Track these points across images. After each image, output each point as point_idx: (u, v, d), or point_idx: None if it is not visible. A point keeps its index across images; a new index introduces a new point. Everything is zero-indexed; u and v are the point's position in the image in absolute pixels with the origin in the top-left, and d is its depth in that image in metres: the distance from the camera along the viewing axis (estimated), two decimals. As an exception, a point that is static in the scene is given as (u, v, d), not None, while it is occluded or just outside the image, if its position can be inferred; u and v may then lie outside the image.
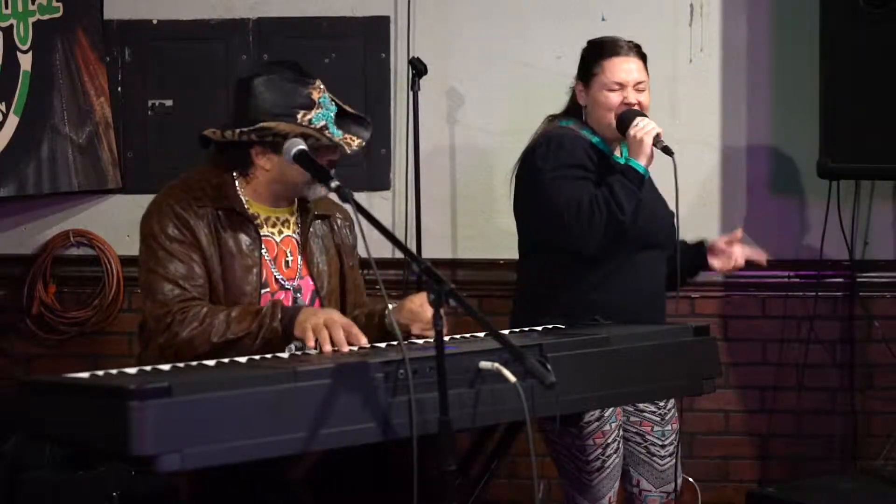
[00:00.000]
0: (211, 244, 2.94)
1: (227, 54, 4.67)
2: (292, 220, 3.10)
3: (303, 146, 2.86)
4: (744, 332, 4.61)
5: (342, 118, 3.03)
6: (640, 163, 3.36)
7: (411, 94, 4.43)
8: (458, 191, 4.66)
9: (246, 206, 3.01)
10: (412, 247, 4.35)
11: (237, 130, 2.95)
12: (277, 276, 3.02)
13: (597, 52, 3.49)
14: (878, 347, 4.55)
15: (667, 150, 3.38)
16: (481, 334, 2.93)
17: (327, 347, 2.70)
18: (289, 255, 3.06)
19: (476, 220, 4.66)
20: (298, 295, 3.04)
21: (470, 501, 2.83)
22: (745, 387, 4.63)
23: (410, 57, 4.48)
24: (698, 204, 4.48)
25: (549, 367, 2.52)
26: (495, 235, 4.64)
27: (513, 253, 4.57)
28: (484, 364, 2.48)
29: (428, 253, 4.42)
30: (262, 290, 2.99)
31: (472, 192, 4.66)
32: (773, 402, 4.62)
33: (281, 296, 3.01)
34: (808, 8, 4.27)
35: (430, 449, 2.35)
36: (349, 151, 2.98)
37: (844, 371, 4.59)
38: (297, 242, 3.09)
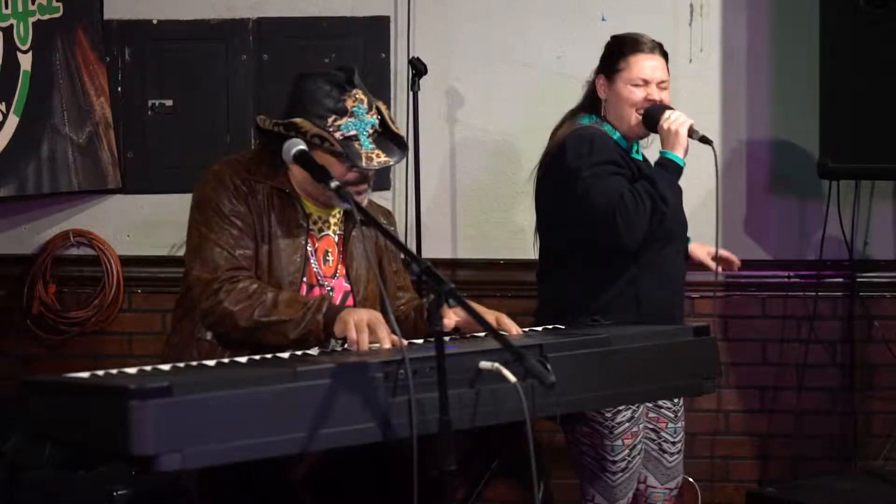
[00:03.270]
0: (262, 219, 2.98)
1: (227, 54, 4.67)
2: (333, 221, 3.11)
3: (302, 146, 2.87)
4: (744, 332, 4.61)
5: (383, 135, 3.02)
6: (677, 154, 3.39)
7: (411, 94, 4.43)
8: (458, 191, 4.66)
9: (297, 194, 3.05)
10: (412, 247, 4.35)
11: (273, 121, 2.99)
12: (316, 270, 3.03)
13: (622, 48, 3.50)
14: (878, 347, 4.55)
15: (705, 140, 3.46)
16: (481, 334, 2.93)
17: (364, 346, 2.70)
18: (328, 253, 3.08)
19: (476, 220, 4.66)
20: (331, 294, 3.05)
21: (470, 501, 2.83)
22: (745, 387, 4.63)
23: (410, 57, 4.48)
24: (698, 204, 4.47)
25: (549, 367, 2.52)
26: (495, 235, 4.64)
27: (512, 253, 4.61)
28: (484, 364, 2.48)
29: (428, 253, 4.42)
30: (302, 278, 3.01)
31: (472, 192, 4.66)
32: (773, 402, 4.62)
33: (316, 291, 3.03)
34: (808, 8, 4.27)
35: (430, 449, 2.35)
36: (366, 165, 2.93)
37: (844, 371, 4.59)
38: (337, 244, 3.10)
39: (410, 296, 3.30)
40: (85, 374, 2.42)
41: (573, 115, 3.59)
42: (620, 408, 3.38)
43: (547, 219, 3.57)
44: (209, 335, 2.97)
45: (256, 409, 2.24)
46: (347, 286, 3.10)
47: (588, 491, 3.49)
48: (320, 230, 3.08)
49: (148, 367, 2.54)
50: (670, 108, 3.47)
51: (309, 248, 3.03)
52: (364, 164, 2.93)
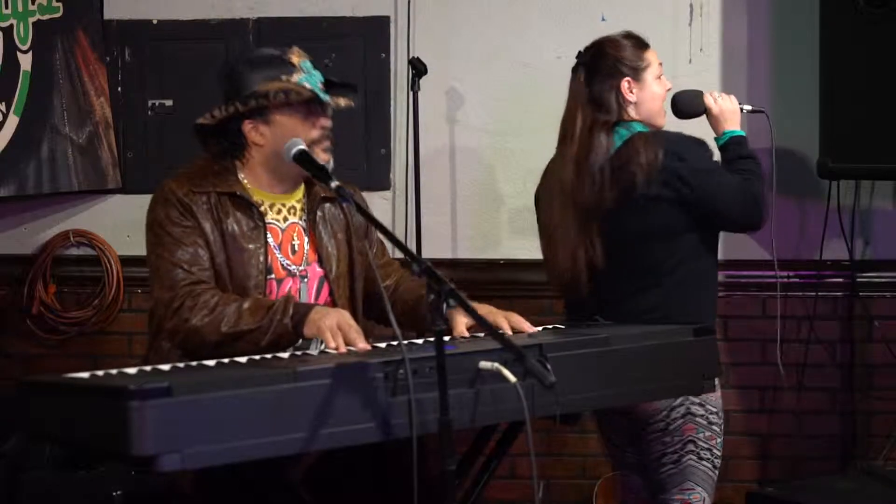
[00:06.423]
0: (213, 229, 2.95)
1: (227, 54, 4.66)
2: (298, 206, 3.10)
3: (302, 146, 2.88)
4: (744, 332, 4.61)
5: (330, 88, 3.04)
6: (741, 130, 3.42)
7: (411, 94, 4.43)
8: (458, 191, 4.66)
9: (249, 193, 3.02)
10: (412, 247, 4.35)
11: (224, 106, 2.99)
12: (283, 263, 3.03)
13: (635, 47, 3.42)
14: (878, 347, 4.55)
15: (757, 111, 3.51)
16: (481, 334, 2.93)
17: (342, 349, 2.70)
18: (295, 240, 3.07)
19: (476, 220, 4.66)
20: (305, 280, 3.05)
21: (470, 501, 2.83)
22: (745, 387, 4.62)
23: (410, 57, 4.48)
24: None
25: (548, 367, 2.52)
26: (495, 235, 4.64)
27: (512, 253, 4.60)
28: (484, 364, 2.48)
29: (428, 253, 4.42)
30: (268, 276, 2.99)
31: (472, 192, 4.66)
32: (773, 402, 4.61)
33: (288, 282, 3.02)
34: (808, 8, 4.27)
35: (430, 449, 2.35)
36: (335, 107, 2.99)
37: (844, 371, 4.59)
38: (304, 229, 3.09)
39: (397, 277, 3.26)
40: (85, 374, 2.42)
41: (605, 129, 3.35)
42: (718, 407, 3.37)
43: (663, 233, 3.35)
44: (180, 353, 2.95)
45: (256, 409, 2.24)
46: (321, 271, 3.09)
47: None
48: (285, 219, 3.07)
49: (148, 367, 2.54)
50: (699, 91, 3.47)
51: (272, 243, 3.01)
52: (333, 105, 2.97)
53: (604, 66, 3.42)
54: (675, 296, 3.33)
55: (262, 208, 3.02)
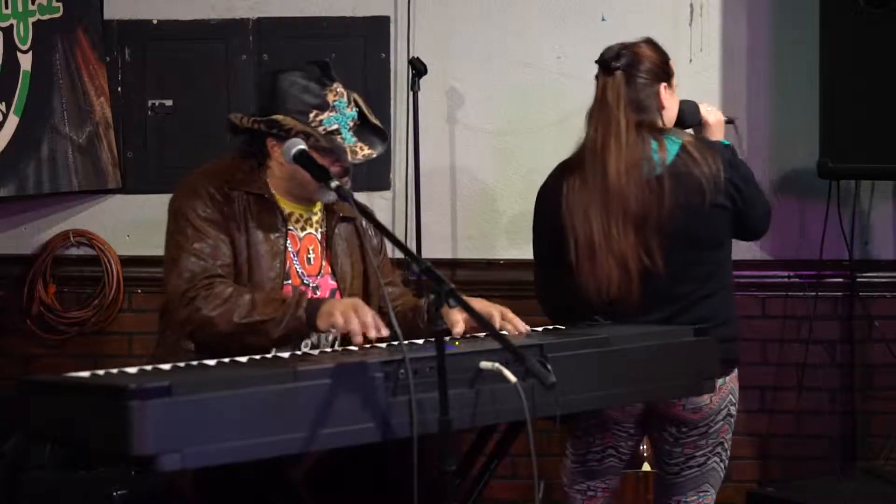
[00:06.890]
0: (240, 227, 2.96)
1: (227, 54, 4.67)
2: (315, 218, 3.12)
3: (302, 146, 2.88)
4: (744, 332, 4.60)
5: (363, 127, 3.04)
6: (726, 141, 3.46)
7: (411, 94, 4.43)
8: (458, 191, 4.66)
9: (275, 198, 3.03)
10: (412, 247, 4.35)
11: (251, 119, 2.99)
12: (299, 271, 3.03)
13: (663, 54, 3.38)
14: (878, 347, 4.54)
15: (730, 120, 3.59)
16: (482, 334, 2.93)
17: (356, 329, 2.69)
18: (310, 252, 3.07)
19: (476, 220, 4.66)
20: (317, 293, 3.05)
21: (470, 501, 2.83)
22: (745, 387, 4.60)
23: (410, 57, 4.48)
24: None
25: (549, 367, 2.52)
26: (495, 235, 4.64)
27: (512, 253, 4.60)
28: (484, 364, 2.48)
29: (428, 253, 4.42)
30: (285, 282, 3.00)
31: (472, 192, 4.66)
32: (773, 402, 4.61)
33: (303, 290, 3.02)
34: (808, 8, 4.27)
35: (430, 449, 2.35)
36: (351, 159, 2.97)
37: (844, 371, 4.59)
38: (320, 241, 3.10)
39: (400, 291, 3.29)
40: (85, 374, 2.42)
41: (652, 134, 3.26)
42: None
43: (713, 239, 3.35)
44: (192, 345, 2.95)
45: (256, 409, 2.23)
46: (333, 283, 3.10)
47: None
48: (302, 228, 3.08)
49: (148, 367, 2.54)
50: (695, 101, 3.49)
51: (290, 250, 3.03)
52: (349, 157, 2.96)
53: (644, 69, 3.31)
54: (714, 307, 3.34)
55: (285, 214, 3.03)
